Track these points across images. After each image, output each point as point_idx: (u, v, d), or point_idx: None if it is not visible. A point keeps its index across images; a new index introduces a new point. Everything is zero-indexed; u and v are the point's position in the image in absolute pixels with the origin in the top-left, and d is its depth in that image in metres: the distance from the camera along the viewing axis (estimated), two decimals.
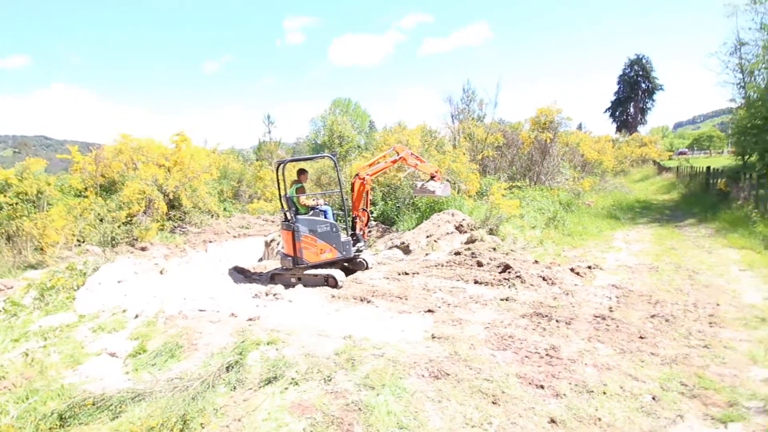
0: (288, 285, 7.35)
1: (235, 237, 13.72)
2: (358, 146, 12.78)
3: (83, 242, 11.46)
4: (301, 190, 7.43)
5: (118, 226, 11.90)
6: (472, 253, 7.48)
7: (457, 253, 7.72)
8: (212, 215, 15.33)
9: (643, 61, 62.33)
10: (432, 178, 8.50)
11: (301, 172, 7.68)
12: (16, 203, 10.60)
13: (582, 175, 16.58)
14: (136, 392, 3.29)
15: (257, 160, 21.15)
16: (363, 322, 5.04)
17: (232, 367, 3.70)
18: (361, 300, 5.92)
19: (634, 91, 62.70)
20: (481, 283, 6.29)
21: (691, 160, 36.53)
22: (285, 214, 7.39)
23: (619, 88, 64.65)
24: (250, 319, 5.14)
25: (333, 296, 6.28)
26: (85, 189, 12.85)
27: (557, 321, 4.70)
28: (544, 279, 6.19)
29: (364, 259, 7.89)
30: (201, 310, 5.51)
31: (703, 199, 14.08)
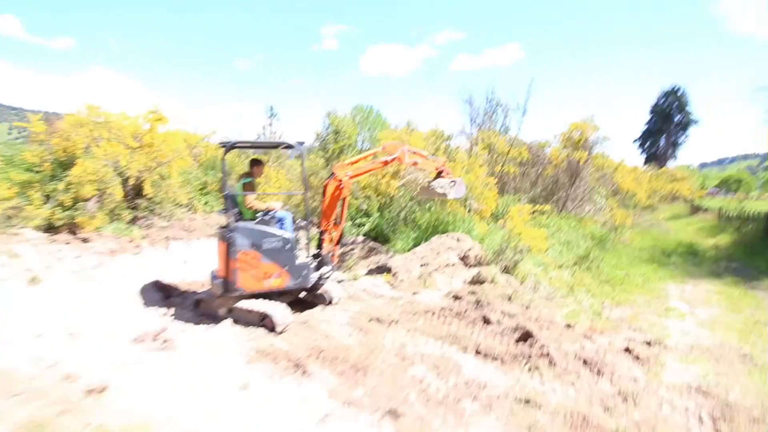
0: (215, 317, 5.29)
1: (210, 236, 11.73)
2: (353, 145, 10.72)
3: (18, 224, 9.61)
4: (249, 187, 5.37)
5: (63, 210, 10.03)
6: (478, 301, 5.27)
7: (458, 297, 5.53)
8: (189, 208, 13.45)
9: (679, 93, 59.36)
10: (439, 174, 6.40)
11: (255, 163, 5.63)
12: None
13: (613, 207, 14.17)
14: None
15: (254, 155, 19.27)
16: (275, 423, 2.91)
17: None
18: (296, 366, 3.79)
19: (666, 124, 59.61)
20: (487, 356, 4.09)
21: (725, 202, 33.60)
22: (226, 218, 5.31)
23: (651, 118, 61.66)
24: (92, 391, 3.05)
25: (258, 351, 4.16)
26: (41, 163, 11.06)
27: None
28: (585, 363, 3.96)
29: (327, 291, 5.77)
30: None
31: (765, 249, 11.57)
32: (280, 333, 4.75)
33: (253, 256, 5.07)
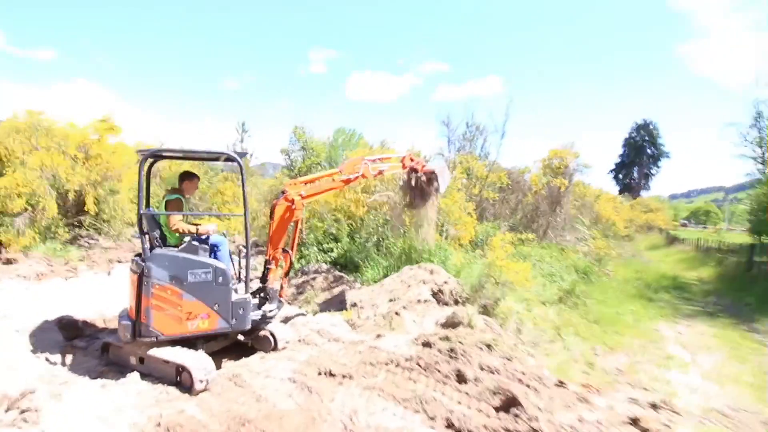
0: (126, 367, 4.19)
1: None
2: (323, 164, 9.88)
3: None
4: (175, 206, 4.38)
5: None
6: (452, 350, 4.36)
7: (428, 344, 4.60)
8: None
9: (651, 126, 61.78)
10: (413, 171, 5.71)
11: (186, 177, 4.66)
12: None
13: (596, 236, 13.68)
14: None
15: (221, 171, 18.18)
16: None
17: None
18: None
19: (639, 156, 61.61)
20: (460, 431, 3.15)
21: (699, 234, 34.19)
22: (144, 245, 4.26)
23: (624, 151, 63.70)
24: None
25: (160, 424, 3.09)
26: None
27: None
28: None
29: (272, 333, 4.75)
30: None
31: (751, 284, 11.16)
32: (199, 393, 3.70)
33: (173, 291, 4.04)
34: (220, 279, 4.23)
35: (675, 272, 14.59)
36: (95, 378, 4.03)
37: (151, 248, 4.26)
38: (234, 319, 4.30)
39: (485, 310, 5.51)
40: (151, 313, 3.99)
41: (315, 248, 9.78)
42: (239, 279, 4.72)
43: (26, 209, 9.24)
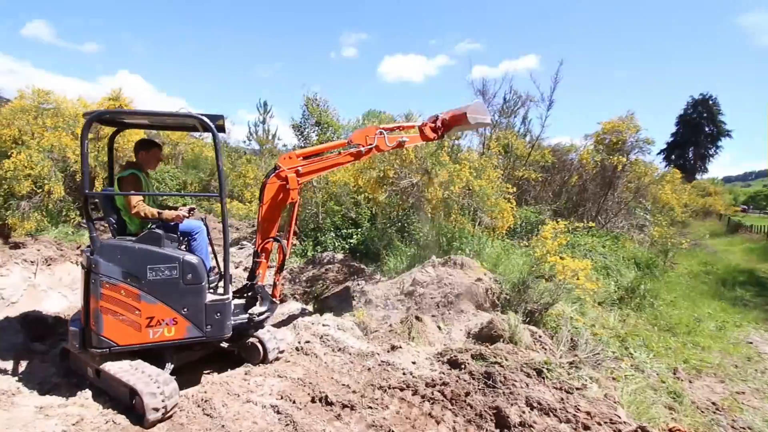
0: (85, 379, 3.44)
1: None
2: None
3: None
4: (130, 184, 3.47)
5: None
6: (488, 375, 3.26)
7: (456, 364, 3.53)
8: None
9: (710, 102, 55.77)
10: (434, 130, 4.63)
11: (143, 146, 3.73)
12: None
13: (661, 223, 11.82)
14: None
15: (245, 153, 17.62)
16: None
17: None
18: None
19: (695, 135, 55.98)
20: None
21: (757, 221, 30.47)
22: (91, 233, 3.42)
23: (678, 129, 58.08)
24: None
25: None
26: None
27: None
28: None
29: (260, 341, 3.85)
30: None
31: None
32: (153, 425, 2.85)
33: (128, 291, 3.18)
34: (189, 276, 3.33)
35: (748, 264, 12.56)
36: (44, 393, 3.29)
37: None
38: (209, 326, 3.41)
39: (531, 318, 4.35)
40: (101, 318, 3.16)
41: (332, 234, 8.86)
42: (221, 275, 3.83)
43: (33, 192, 8.88)
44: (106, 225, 3.66)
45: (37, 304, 5.05)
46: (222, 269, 3.70)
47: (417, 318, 4.32)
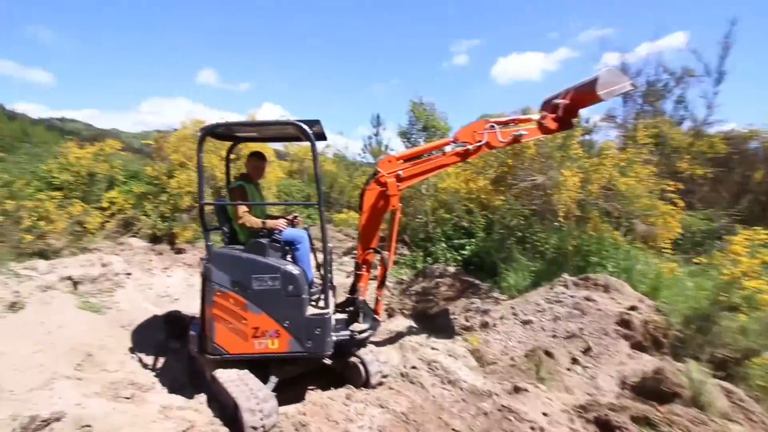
0: (204, 379, 3.63)
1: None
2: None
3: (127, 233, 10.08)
4: (238, 195, 3.56)
5: (163, 221, 10.27)
6: None
7: (609, 427, 2.61)
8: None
9: None
10: (557, 120, 3.79)
11: (253, 158, 3.83)
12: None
13: None
14: None
15: (360, 165, 18.36)
16: None
17: None
18: None
19: None
20: None
21: None
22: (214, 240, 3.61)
23: None
24: None
25: None
26: (157, 177, 11.84)
27: None
28: None
29: (362, 362, 3.54)
30: None
31: None
32: None
33: (236, 300, 3.21)
34: (291, 287, 3.21)
35: None
36: (172, 391, 3.55)
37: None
38: (309, 341, 3.24)
39: (723, 369, 3.04)
40: (213, 325, 3.25)
41: (444, 244, 8.31)
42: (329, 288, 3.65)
43: (192, 206, 10.58)
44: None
45: (193, 302, 5.74)
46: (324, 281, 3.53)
47: (547, 353, 3.47)
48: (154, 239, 10.17)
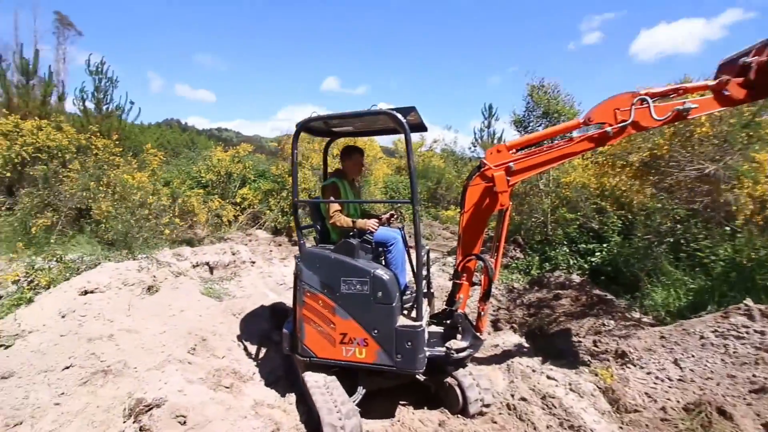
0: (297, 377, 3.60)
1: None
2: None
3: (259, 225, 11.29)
4: (330, 192, 3.37)
5: (283, 216, 11.24)
6: None
7: None
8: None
9: None
10: (745, 86, 2.67)
11: (347, 153, 3.61)
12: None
13: None
14: None
15: (470, 159, 17.50)
16: None
17: None
18: None
19: None
20: None
21: None
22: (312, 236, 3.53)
23: None
24: None
25: None
26: (279, 176, 13.06)
27: None
28: None
29: (460, 386, 3.04)
30: None
31: None
32: None
33: (325, 303, 3.04)
34: (380, 294, 2.90)
35: None
36: (268, 384, 3.61)
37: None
38: (399, 355, 2.89)
39: None
40: (303, 326, 3.14)
41: (565, 249, 7.14)
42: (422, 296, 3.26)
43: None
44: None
45: None
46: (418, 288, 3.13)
47: (721, 411, 2.47)
48: (276, 231, 11.19)
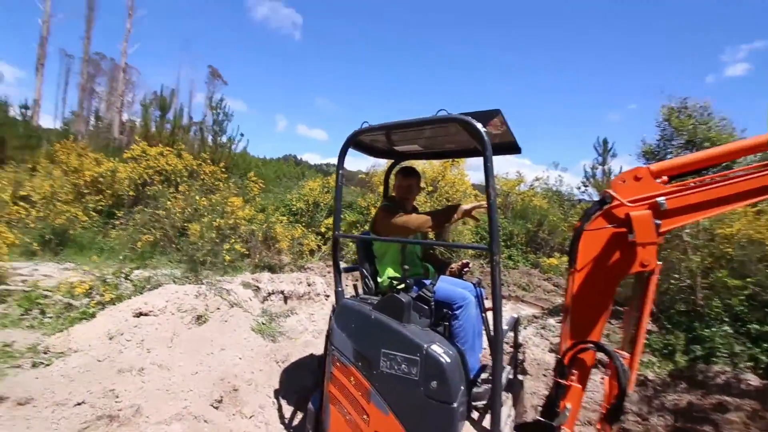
0: None
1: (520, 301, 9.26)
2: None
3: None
4: (384, 224, 2.55)
5: None
6: None
7: None
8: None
9: None
10: None
11: (404, 175, 2.76)
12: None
13: None
14: None
15: (579, 201, 15.18)
16: None
17: None
18: None
19: None
20: None
21: None
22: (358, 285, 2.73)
23: None
24: None
25: None
26: (366, 208, 12.87)
27: None
28: None
29: None
30: None
31: None
32: None
33: (358, 381, 2.17)
34: (434, 384, 1.94)
35: None
36: None
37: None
38: None
39: None
40: (329, 408, 2.31)
41: (728, 328, 5.08)
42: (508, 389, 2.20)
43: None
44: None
45: None
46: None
47: None
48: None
